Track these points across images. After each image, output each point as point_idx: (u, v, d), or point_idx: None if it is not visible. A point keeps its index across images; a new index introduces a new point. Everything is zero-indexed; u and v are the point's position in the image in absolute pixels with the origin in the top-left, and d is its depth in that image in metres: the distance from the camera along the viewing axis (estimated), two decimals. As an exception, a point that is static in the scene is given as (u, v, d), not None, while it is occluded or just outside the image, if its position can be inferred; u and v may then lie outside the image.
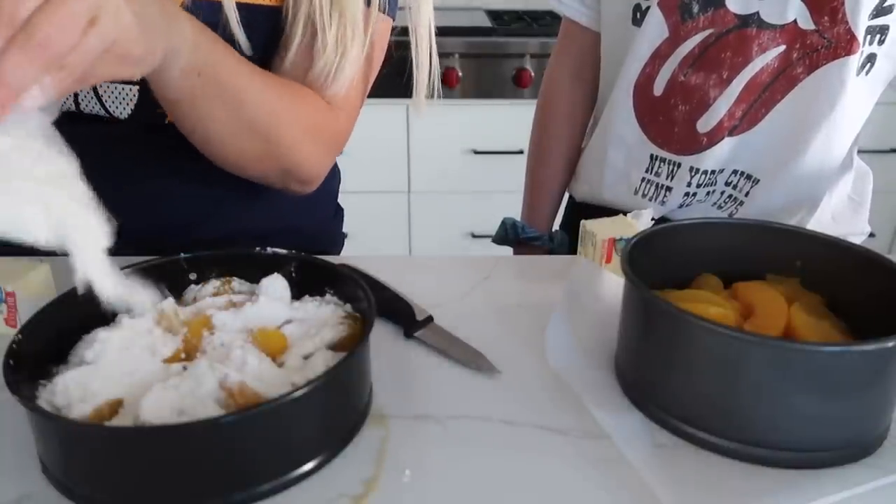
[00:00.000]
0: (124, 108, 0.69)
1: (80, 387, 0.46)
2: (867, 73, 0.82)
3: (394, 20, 0.74)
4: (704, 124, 0.86)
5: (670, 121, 0.88)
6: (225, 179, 0.72)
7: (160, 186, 0.74)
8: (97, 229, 0.45)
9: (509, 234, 1.01)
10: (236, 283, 0.59)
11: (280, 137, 0.67)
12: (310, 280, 0.59)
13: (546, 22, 2.00)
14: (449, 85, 1.86)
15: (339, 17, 0.65)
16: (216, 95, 0.60)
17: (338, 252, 0.93)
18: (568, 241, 1.01)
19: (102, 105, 0.69)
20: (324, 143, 0.71)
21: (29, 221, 0.43)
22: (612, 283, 0.66)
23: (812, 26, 0.79)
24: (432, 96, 0.74)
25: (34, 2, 0.40)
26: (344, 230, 0.95)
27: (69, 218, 0.44)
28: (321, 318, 0.54)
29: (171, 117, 0.65)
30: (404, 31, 0.73)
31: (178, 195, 0.75)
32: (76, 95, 0.69)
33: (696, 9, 0.82)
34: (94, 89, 0.69)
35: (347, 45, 0.67)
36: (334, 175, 0.90)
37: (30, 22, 0.40)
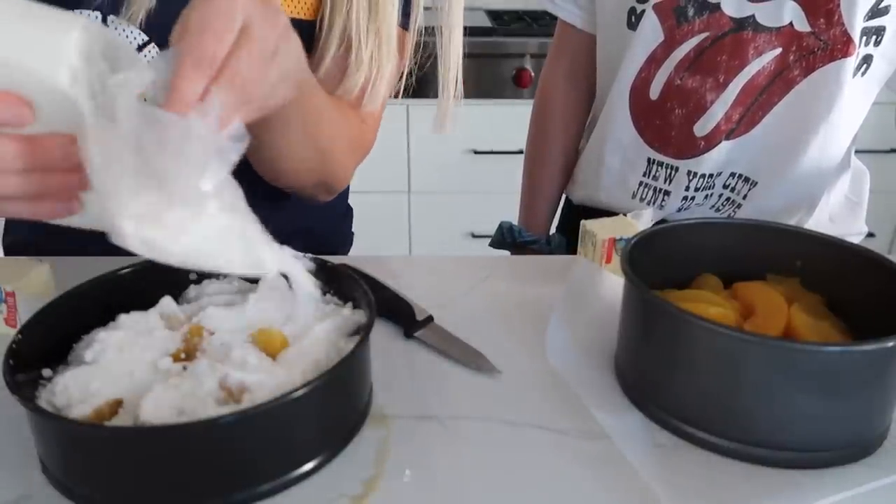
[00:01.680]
0: None
1: (80, 387, 0.46)
2: (863, 74, 0.82)
3: None
4: (701, 128, 0.86)
5: (667, 124, 0.88)
6: (241, 183, 0.73)
7: None
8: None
9: (506, 238, 1.01)
10: (236, 282, 0.59)
11: (333, 152, 0.69)
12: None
13: (546, 22, 2.00)
14: (449, 85, 1.85)
15: (376, 34, 0.67)
16: (298, 115, 0.62)
17: (346, 251, 0.93)
18: (565, 244, 1.01)
19: None
20: (358, 156, 0.74)
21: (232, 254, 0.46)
22: (612, 283, 0.66)
23: (808, 28, 0.79)
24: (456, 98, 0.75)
25: (227, 42, 0.43)
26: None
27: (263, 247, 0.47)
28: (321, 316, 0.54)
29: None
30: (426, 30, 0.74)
31: None
32: None
33: (691, 12, 0.82)
34: None
35: (383, 62, 0.68)
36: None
37: (229, 62, 0.43)
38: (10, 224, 0.87)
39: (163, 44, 0.68)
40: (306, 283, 0.49)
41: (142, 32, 0.65)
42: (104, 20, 0.64)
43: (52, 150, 0.42)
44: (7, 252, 0.85)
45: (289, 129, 0.62)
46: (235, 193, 0.45)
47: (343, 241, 0.93)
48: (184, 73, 0.41)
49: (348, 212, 0.94)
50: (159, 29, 0.67)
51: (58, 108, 0.41)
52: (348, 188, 0.92)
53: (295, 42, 0.49)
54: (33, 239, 0.81)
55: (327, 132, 0.67)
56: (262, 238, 0.47)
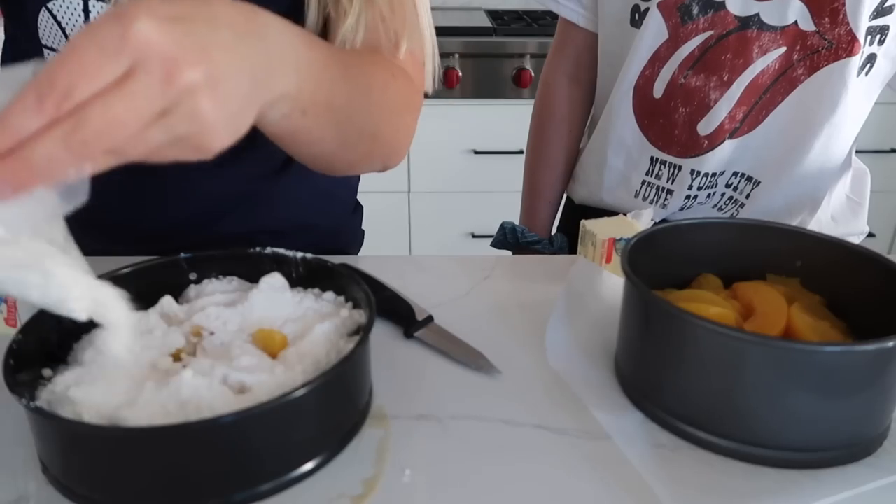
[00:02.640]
0: None
1: (80, 387, 0.46)
2: (867, 73, 0.82)
3: None
4: (705, 127, 0.86)
5: (671, 123, 0.88)
6: (245, 176, 0.72)
7: (180, 182, 0.74)
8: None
9: (508, 239, 1.01)
10: (236, 282, 0.59)
11: (383, 132, 0.63)
12: (310, 280, 0.59)
13: (546, 22, 2.00)
14: (449, 85, 1.86)
15: None
16: (323, 123, 0.54)
17: (357, 249, 0.93)
18: (567, 245, 1.01)
19: None
20: (412, 115, 0.68)
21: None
22: (612, 283, 0.66)
23: (813, 28, 0.79)
24: (429, 95, 0.73)
25: (94, 85, 0.34)
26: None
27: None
28: (321, 315, 0.54)
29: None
30: None
31: (198, 191, 0.75)
32: None
33: (695, 10, 0.82)
34: None
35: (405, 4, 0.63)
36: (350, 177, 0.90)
37: (82, 111, 0.34)
38: None
39: None
40: (117, 330, 0.43)
41: None
42: (85, 4, 0.63)
43: None
44: None
45: (306, 138, 0.55)
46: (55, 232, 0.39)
47: (353, 238, 0.93)
48: (21, 102, 0.34)
49: (358, 208, 0.93)
50: None
51: None
52: (357, 185, 0.92)
53: (205, 105, 0.37)
54: None
55: (368, 119, 0.60)
56: (74, 277, 0.40)
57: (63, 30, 0.65)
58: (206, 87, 0.37)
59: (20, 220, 0.37)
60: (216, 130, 0.39)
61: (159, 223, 0.76)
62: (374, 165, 0.67)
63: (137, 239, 0.75)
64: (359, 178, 0.92)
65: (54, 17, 0.64)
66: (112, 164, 0.37)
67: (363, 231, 0.95)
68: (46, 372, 0.49)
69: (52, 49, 0.66)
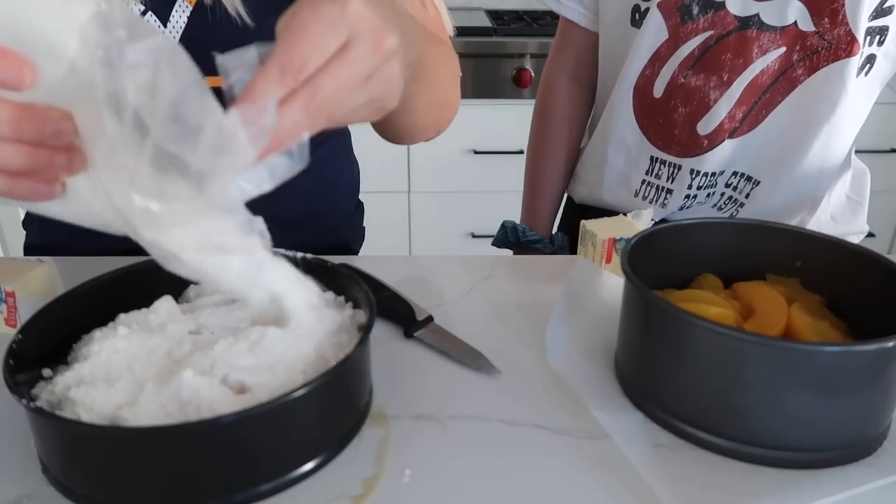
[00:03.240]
0: None
1: (80, 387, 0.46)
2: (867, 73, 0.82)
3: None
4: (705, 126, 0.86)
5: (670, 123, 0.88)
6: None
7: None
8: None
9: (510, 238, 1.01)
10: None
11: (450, 99, 0.68)
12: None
13: (546, 22, 2.00)
14: (449, 85, 1.86)
15: None
16: (424, 90, 0.59)
17: (359, 246, 0.94)
18: (568, 244, 1.01)
19: None
20: (459, 80, 0.72)
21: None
22: (612, 283, 0.66)
23: (812, 28, 0.79)
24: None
25: (323, 56, 0.40)
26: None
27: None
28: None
29: None
30: None
31: None
32: None
33: (695, 10, 0.82)
34: None
35: None
36: (352, 165, 0.91)
37: (316, 79, 0.40)
38: (29, 226, 0.87)
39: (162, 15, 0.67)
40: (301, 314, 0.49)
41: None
42: None
43: (47, 123, 0.38)
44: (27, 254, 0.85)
45: (408, 106, 0.59)
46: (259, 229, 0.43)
47: (355, 234, 0.93)
48: (266, 76, 0.39)
49: (360, 206, 0.94)
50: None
51: (62, 77, 0.37)
52: (359, 179, 0.92)
53: (396, 69, 0.44)
54: (54, 240, 0.81)
55: (445, 86, 0.65)
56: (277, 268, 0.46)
57: None
58: (398, 54, 0.44)
59: (259, 184, 0.42)
60: (398, 91, 0.46)
61: None
62: (433, 133, 0.71)
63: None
64: (358, 173, 0.92)
65: None
66: (325, 127, 0.42)
67: (364, 229, 0.95)
68: (46, 372, 0.49)
69: None
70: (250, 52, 0.40)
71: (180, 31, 0.68)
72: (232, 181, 0.41)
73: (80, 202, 0.42)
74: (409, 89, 0.54)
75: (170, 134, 0.38)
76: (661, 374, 0.52)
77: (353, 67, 0.41)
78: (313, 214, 0.83)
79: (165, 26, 0.67)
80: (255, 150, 0.39)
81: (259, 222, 0.44)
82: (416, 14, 0.68)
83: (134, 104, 0.37)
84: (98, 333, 0.51)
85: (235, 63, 0.40)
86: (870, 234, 1.01)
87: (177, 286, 0.58)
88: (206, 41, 0.55)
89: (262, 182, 0.42)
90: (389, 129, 0.67)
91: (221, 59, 0.40)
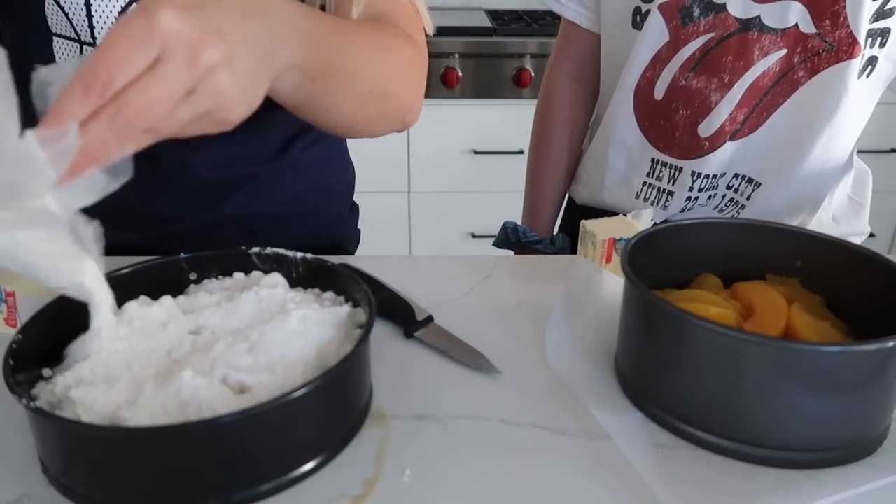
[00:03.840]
0: None
1: (80, 387, 0.46)
2: (868, 75, 0.82)
3: None
4: (706, 128, 0.86)
5: (671, 125, 0.88)
6: (246, 159, 0.73)
7: (182, 164, 0.74)
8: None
9: (510, 238, 1.01)
10: (236, 282, 0.59)
11: (394, 90, 0.66)
12: (310, 280, 0.59)
13: (546, 22, 2.00)
14: (449, 85, 1.86)
15: None
16: (333, 87, 0.58)
17: (354, 248, 0.94)
18: (569, 245, 1.01)
19: None
20: (419, 72, 0.70)
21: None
22: (612, 283, 0.66)
23: (813, 30, 0.79)
24: (429, 36, 0.73)
25: (131, 72, 0.39)
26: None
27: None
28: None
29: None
30: None
31: (196, 176, 0.76)
32: None
33: (696, 12, 0.82)
34: None
35: None
36: (347, 165, 0.91)
37: (123, 96, 0.39)
38: None
39: None
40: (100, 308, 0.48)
41: None
42: None
43: None
44: None
45: (319, 105, 0.59)
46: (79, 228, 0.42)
47: (351, 234, 0.94)
48: (70, 94, 0.39)
49: (354, 208, 0.94)
50: None
51: None
52: (353, 178, 0.92)
53: (225, 79, 0.42)
54: None
55: (378, 78, 0.63)
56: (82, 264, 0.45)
57: (67, 16, 0.65)
58: (223, 66, 0.42)
59: (76, 199, 0.42)
60: (234, 104, 0.44)
61: (160, 208, 0.76)
62: (393, 124, 0.70)
63: (138, 224, 0.76)
64: (353, 173, 0.92)
65: (60, 6, 0.66)
66: (149, 143, 0.42)
67: (359, 231, 0.95)
68: (46, 372, 0.49)
69: (62, 36, 0.67)
70: (69, 66, 0.40)
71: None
72: (42, 197, 0.40)
73: None
74: (310, 89, 0.54)
75: None
76: (661, 374, 0.52)
77: (165, 83, 0.40)
78: (307, 211, 0.83)
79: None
80: (56, 170, 0.39)
81: (87, 228, 0.43)
82: (371, 5, 0.66)
83: None
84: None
85: (53, 77, 0.40)
86: (870, 235, 1.01)
87: (177, 286, 0.58)
88: None
89: (83, 196, 0.42)
90: (319, 126, 0.66)
91: (39, 73, 0.40)
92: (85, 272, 0.46)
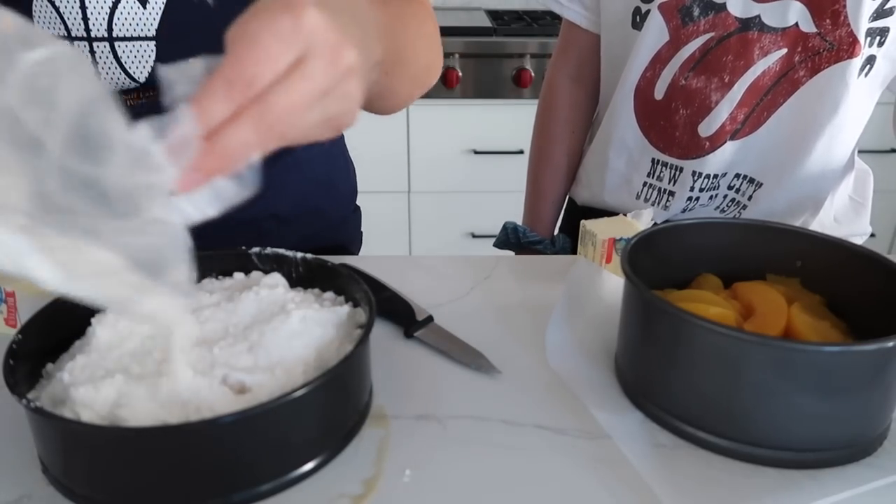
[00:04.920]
0: (142, 71, 0.68)
1: (80, 386, 0.46)
2: (867, 74, 0.82)
3: None
4: (706, 128, 0.86)
5: (672, 125, 0.88)
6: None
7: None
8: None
9: (511, 239, 1.01)
10: (236, 282, 0.59)
11: (433, 60, 0.66)
12: (310, 280, 0.59)
13: (546, 22, 2.00)
14: (449, 85, 1.86)
15: None
16: (398, 75, 0.57)
17: (357, 249, 0.94)
18: (570, 245, 1.01)
19: (120, 65, 0.68)
20: (440, 43, 0.70)
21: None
22: (612, 283, 0.66)
23: (814, 29, 0.79)
24: None
25: (274, 71, 0.37)
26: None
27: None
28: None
29: None
30: None
31: None
32: (93, 54, 0.68)
33: (696, 12, 0.82)
34: (113, 50, 0.67)
35: None
36: (348, 164, 0.91)
37: (267, 96, 0.37)
38: None
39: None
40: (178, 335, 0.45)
41: None
42: None
43: None
44: None
45: (386, 94, 0.58)
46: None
47: (354, 235, 0.94)
48: (212, 89, 0.36)
49: (357, 210, 0.94)
50: None
51: None
52: (355, 180, 0.92)
53: (353, 87, 0.41)
54: None
55: (422, 61, 0.64)
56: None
57: (58, 11, 0.65)
58: (356, 69, 0.40)
59: (200, 208, 0.39)
60: (356, 108, 0.42)
61: None
62: (422, 92, 0.70)
63: None
64: (356, 175, 0.92)
65: (52, 4, 0.65)
66: (274, 148, 0.39)
67: (362, 234, 0.95)
68: (46, 372, 0.49)
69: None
70: (196, 65, 0.38)
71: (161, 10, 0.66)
72: (163, 202, 0.37)
73: None
74: (384, 83, 0.53)
75: (76, 151, 0.35)
76: (661, 374, 0.52)
77: (308, 84, 0.38)
78: (310, 211, 0.83)
79: (145, 7, 0.66)
80: (174, 167, 0.36)
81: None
82: None
83: (28, 119, 0.34)
84: (97, 330, 0.50)
85: (179, 76, 0.37)
86: (870, 235, 1.01)
87: (177, 286, 0.58)
88: (183, 23, 0.51)
89: (207, 206, 0.39)
90: (374, 111, 0.66)
91: (164, 71, 0.37)
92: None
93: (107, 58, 0.68)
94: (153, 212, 0.37)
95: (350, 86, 0.41)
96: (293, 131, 0.39)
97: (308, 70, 0.38)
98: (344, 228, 0.91)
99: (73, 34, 0.66)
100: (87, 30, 0.66)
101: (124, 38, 0.64)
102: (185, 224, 0.39)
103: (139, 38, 0.67)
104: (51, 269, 0.36)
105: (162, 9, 0.67)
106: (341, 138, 0.91)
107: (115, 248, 0.37)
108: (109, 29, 0.66)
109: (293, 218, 0.81)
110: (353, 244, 0.93)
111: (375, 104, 0.61)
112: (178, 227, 0.39)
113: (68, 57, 0.34)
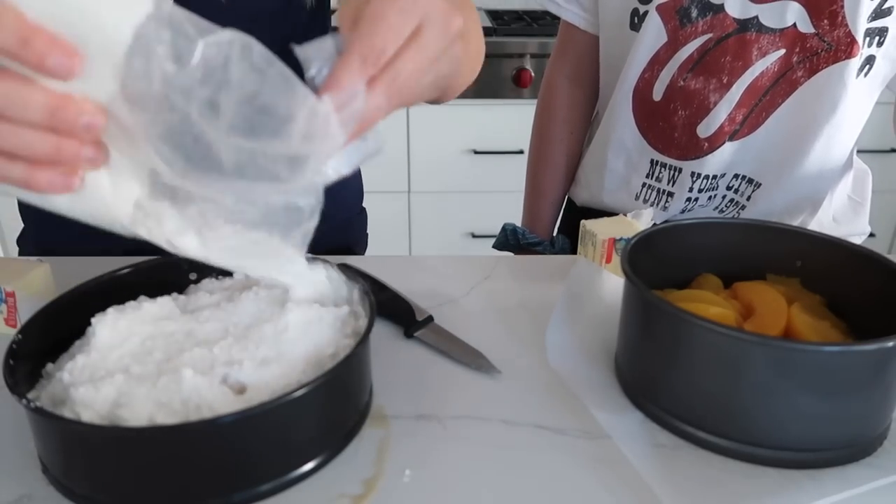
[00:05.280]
0: None
1: (80, 386, 0.46)
2: (866, 74, 0.82)
3: None
4: (705, 129, 0.86)
5: (670, 126, 0.88)
6: None
7: None
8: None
9: (510, 240, 1.01)
10: (236, 282, 0.59)
11: (481, 48, 0.67)
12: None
13: (546, 22, 2.00)
14: (449, 85, 1.85)
15: None
16: (469, 52, 0.59)
17: (363, 251, 0.94)
18: (569, 246, 1.01)
19: None
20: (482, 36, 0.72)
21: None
22: (612, 283, 0.66)
23: (812, 30, 0.79)
24: None
25: (399, 42, 0.42)
26: None
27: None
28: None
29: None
30: None
31: None
32: None
33: (694, 13, 0.82)
34: None
35: None
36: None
37: (394, 65, 0.42)
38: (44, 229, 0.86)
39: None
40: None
41: None
42: None
43: (82, 115, 0.37)
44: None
45: (467, 68, 0.60)
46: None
47: (360, 237, 0.93)
48: (349, 64, 0.40)
49: (363, 212, 0.94)
50: None
51: (110, 71, 0.36)
52: (362, 186, 0.92)
53: (459, 49, 0.47)
54: (49, 237, 0.81)
55: (476, 39, 0.65)
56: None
57: None
58: (461, 34, 0.45)
59: (342, 166, 0.43)
60: (464, 71, 0.48)
61: None
62: (471, 80, 0.70)
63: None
64: (361, 172, 0.92)
65: None
66: (398, 109, 0.44)
67: (367, 235, 0.95)
68: (46, 372, 0.49)
69: None
70: (328, 43, 0.42)
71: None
72: (323, 165, 0.42)
73: (93, 198, 0.41)
74: (463, 54, 0.55)
75: (248, 127, 0.38)
76: (661, 374, 0.52)
77: (427, 51, 0.43)
78: (321, 215, 0.83)
79: None
80: (344, 134, 0.41)
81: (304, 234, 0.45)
82: None
83: (204, 98, 0.37)
84: (97, 329, 0.50)
85: (315, 54, 0.41)
86: (870, 235, 1.01)
87: (176, 286, 0.58)
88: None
89: (341, 167, 0.43)
90: (444, 97, 0.67)
91: (301, 50, 0.41)
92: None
93: None
94: (308, 174, 0.41)
95: (457, 48, 0.46)
96: (413, 94, 0.44)
97: (425, 38, 0.42)
98: (349, 230, 0.91)
99: None
100: None
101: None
102: (324, 182, 0.43)
103: None
104: (193, 239, 0.43)
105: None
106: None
107: (250, 213, 0.43)
108: None
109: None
110: (358, 246, 0.93)
111: (452, 81, 0.62)
112: (317, 186, 0.43)
113: (239, 42, 0.37)
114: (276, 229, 0.44)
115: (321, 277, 0.55)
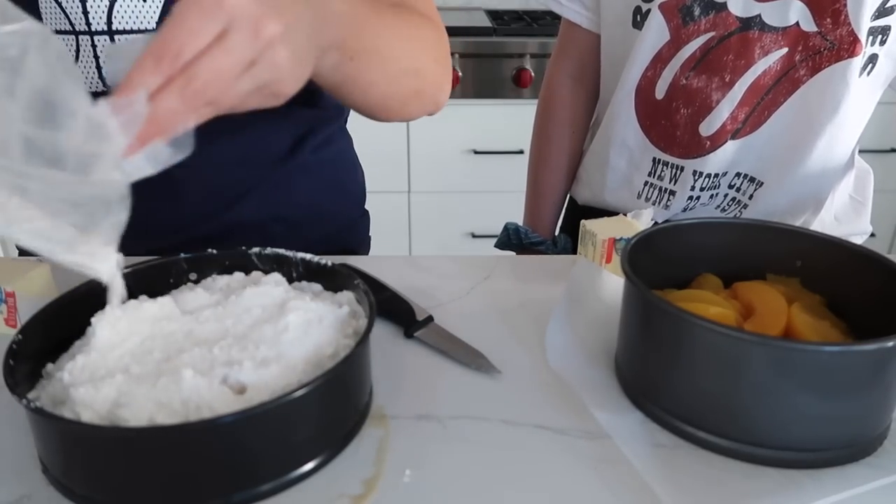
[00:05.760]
0: None
1: (80, 387, 0.46)
2: (869, 73, 0.82)
3: None
4: (707, 128, 0.86)
5: (672, 124, 0.88)
6: (256, 160, 0.73)
7: (192, 172, 0.74)
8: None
9: (512, 240, 1.01)
10: (236, 282, 0.59)
11: (425, 67, 0.68)
12: (310, 280, 0.59)
13: (546, 22, 2.00)
14: (449, 85, 1.86)
15: None
16: (369, 66, 0.60)
17: (366, 252, 0.94)
18: (571, 246, 1.01)
19: None
20: (445, 49, 0.73)
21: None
22: (612, 283, 0.66)
23: (814, 28, 0.79)
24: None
25: (199, 44, 0.41)
26: None
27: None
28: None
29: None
30: None
31: (210, 177, 0.75)
32: (94, 48, 0.68)
33: (697, 12, 0.82)
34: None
35: None
36: (357, 168, 0.91)
37: (192, 66, 0.41)
38: None
39: None
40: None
41: None
42: None
43: None
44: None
45: (357, 84, 0.60)
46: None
47: (362, 238, 0.94)
48: (141, 65, 0.40)
49: (365, 214, 0.94)
50: None
51: None
52: (364, 182, 0.92)
53: (282, 53, 0.45)
54: None
55: (409, 55, 0.65)
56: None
57: (61, 6, 0.66)
58: (281, 40, 0.44)
59: (140, 169, 0.43)
60: (289, 77, 0.46)
61: (174, 214, 0.76)
62: (427, 104, 0.72)
63: (151, 232, 0.76)
64: (363, 178, 0.92)
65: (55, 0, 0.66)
66: (211, 116, 0.44)
67: (370, 238, 0.95)
68: (46, 372, 0.49)
69: (60, 31, 0.67)
70: (138, 43, 0.42)
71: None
72: (115, 166, 0.42)
73: None
74: (349, 69, 0.56)
75: (37, 118, 0.39)
76: (661, 374, 0.52)
77: (231, 55, 0.42)
78: (319, 215, 0.83)
79: (145, 0, 0.66)
80: (125, 138, 0.41)
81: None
82: None
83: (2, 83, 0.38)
84: (97, 328, 0.50)
85: (123, 53, 0.42)
86: (870, 235, 1.01)
87: (176, 286, 0.58)
88: None
89: (144, 167, 0.43)
90: (357, 108, 0.67)
91: (110, 49, 0.42)
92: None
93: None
94: (100, 172, 0.42)
95: (277, 55, 0.44)
96: (226, 99, 0.43)
97: (229, 42, 0.42)
98: (352, 232, 0.91)
99: (76, 28, 0.66)
100: (88, 23, 0.67)
101: (124, 31, 0.65)
102: (127, 181, 0.43)
103: (139, 32, 0.67)
104: None
105: (163, 2, 0.67)
106: (350, 142, 0.91)
107: (56, 198, 0.42)
108: (109, 22, 0.66)
109: (301, 222, 0.81)
110: (361, 248, 0.93)
111: (347, 93, 0.62)
112: (120, 183, 0.43)
113: (38, 34, 0.38)
114: (83, 218, 0.44)
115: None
